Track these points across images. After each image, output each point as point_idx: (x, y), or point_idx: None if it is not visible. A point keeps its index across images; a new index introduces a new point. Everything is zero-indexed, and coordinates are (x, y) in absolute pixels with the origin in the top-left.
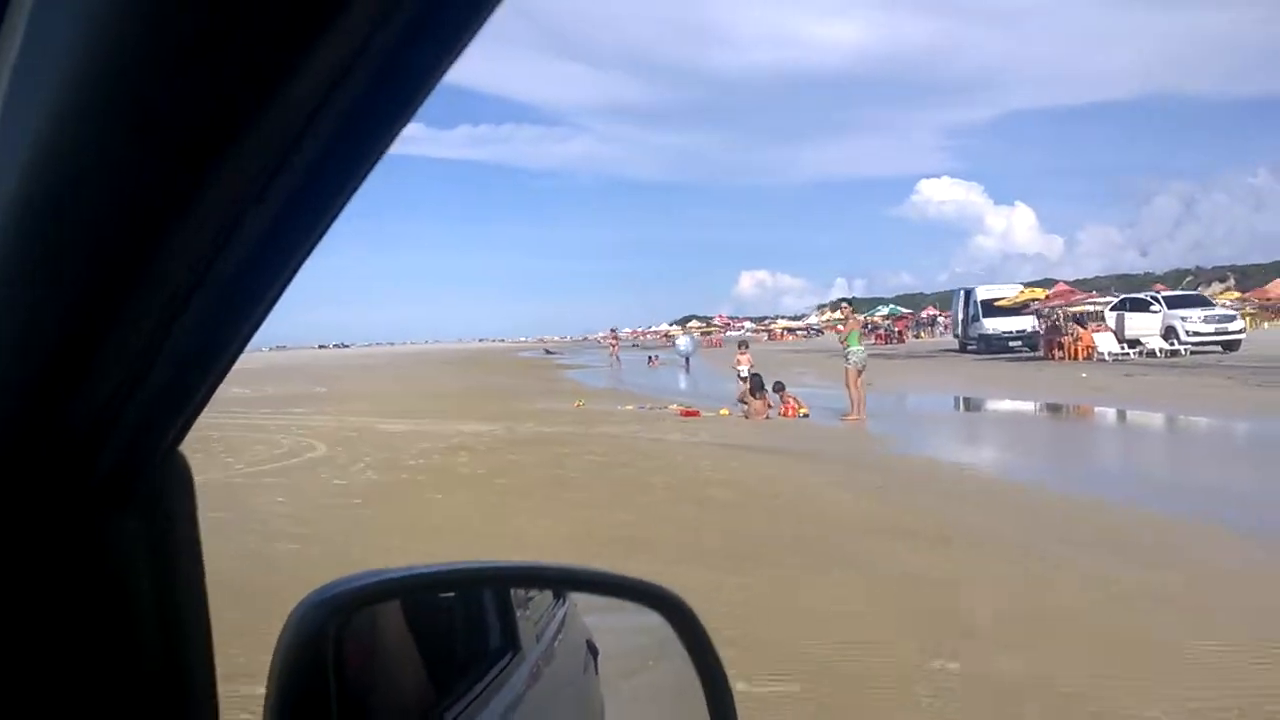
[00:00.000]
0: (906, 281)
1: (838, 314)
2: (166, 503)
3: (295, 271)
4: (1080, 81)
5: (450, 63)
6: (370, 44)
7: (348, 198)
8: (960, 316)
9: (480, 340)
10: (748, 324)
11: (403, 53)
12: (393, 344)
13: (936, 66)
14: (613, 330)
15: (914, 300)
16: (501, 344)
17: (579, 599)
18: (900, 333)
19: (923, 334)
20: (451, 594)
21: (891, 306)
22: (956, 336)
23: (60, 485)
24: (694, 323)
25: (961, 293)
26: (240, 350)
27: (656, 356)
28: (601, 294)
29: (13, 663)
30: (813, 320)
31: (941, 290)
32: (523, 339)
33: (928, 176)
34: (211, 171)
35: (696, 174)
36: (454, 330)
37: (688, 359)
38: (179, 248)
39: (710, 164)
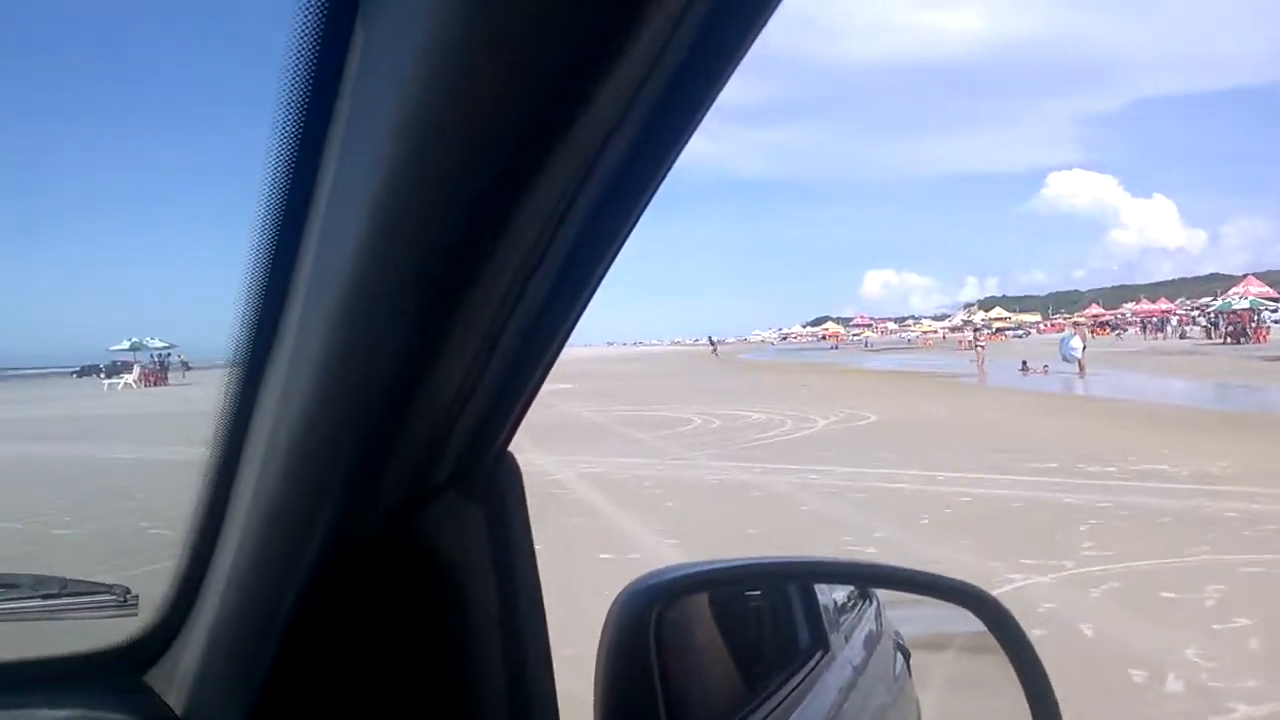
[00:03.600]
0: (1039, 280)
1: (983, 314)
2: (503, 495)
3: (602, 276)
4: (1216, 65)
5: (731, 69)
6: (662, 55)
7: (646, 202)
8: None
9: (610, 344)
10: (890, 324)
11: (691, 59)
12: None
13: (1063, 54)
14: (710, 337)
15: (1069, 298)
16: (651, 345)
17: (885, 597)
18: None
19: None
20: (758, 592)
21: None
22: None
23: (416, 479)
24: (829, 324)
25: None
26: (558, 353)
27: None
28: (716, 296)
29: (384, 627)
30: (958, 319)
31: (1066, 289)
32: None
33: (1058, 169)
34: (529, 185)
35: (813, 171)
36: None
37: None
38: (506, 260)
39: (828, 161)
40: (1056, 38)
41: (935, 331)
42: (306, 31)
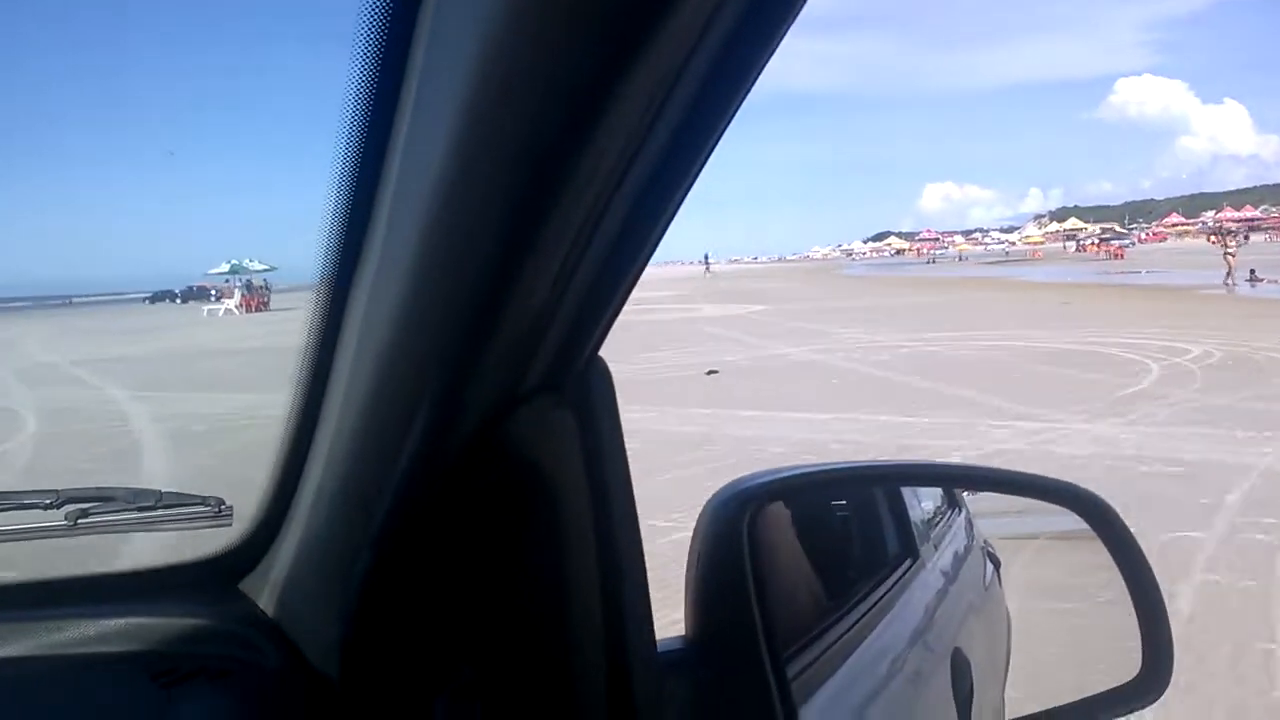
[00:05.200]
0: (1106, 190)
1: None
2: (593, 399)
3: (690, 185)
4: None
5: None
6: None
7: (731, 115)
8: None
9: (685, 263)
10: (958, 237)
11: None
12: None
13: None
14: (705, 256)
15: (1145, 207)
16: (732, 264)
17: (975, 504)
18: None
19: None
20: (845, 500)
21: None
22: None
23: (508, 385)
24: (892, 238)
25: None
26: (646, 261)
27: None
28: (774, 212)
29: (477, 532)
30: (1028, 231)
31: (1135, 199)
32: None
33: (1126, 75)
34: (615, 94)
35: (869, 84)
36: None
37: None
38: (592, 171)
39: (886, 73)
40: None
41: (1042, 241)
42: None
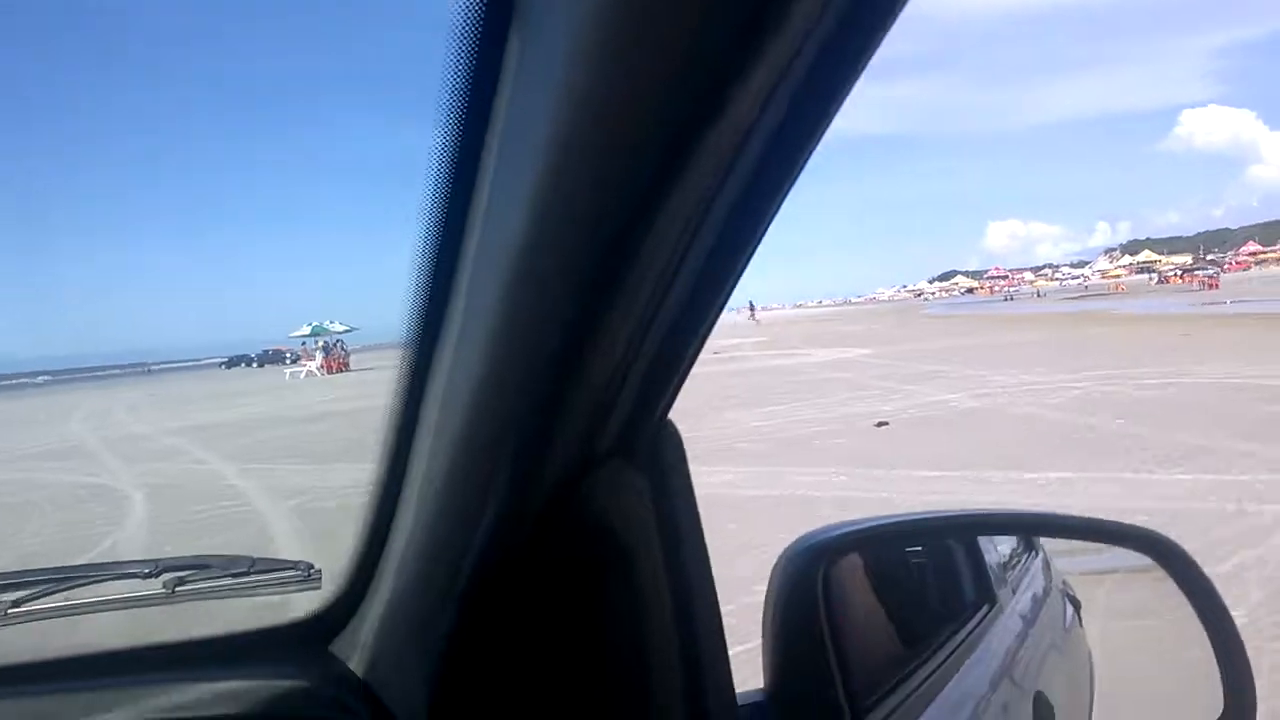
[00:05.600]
0: (1174, 221)
1: (1129, 258)
2: (664, 462)
3: (755, 246)
4: None
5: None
6: (791, 67)
7: (797, 173)
8: None
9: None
10: (1028, 274)
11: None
12: None
13: None
14: (750, 304)
15: (1219, 237)
16: (810, 307)
17: (1053, 547)
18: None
19: None
20: (920, 548)
21: None
22: None
23: (582, 450)
24: (959, 277)
25: None
26: (714, 321)
27: None
28: (835, 255)
29: (556, 595)
30: (1102, 265)
31: (1205, 229)
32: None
33: (1191, 106)
34: (686, 166)
35: (933, 125)
36: None
37: None
38: (663, 238)
39: (947, 113)
40: None
41: (1122, 275)
42: (465, 35)
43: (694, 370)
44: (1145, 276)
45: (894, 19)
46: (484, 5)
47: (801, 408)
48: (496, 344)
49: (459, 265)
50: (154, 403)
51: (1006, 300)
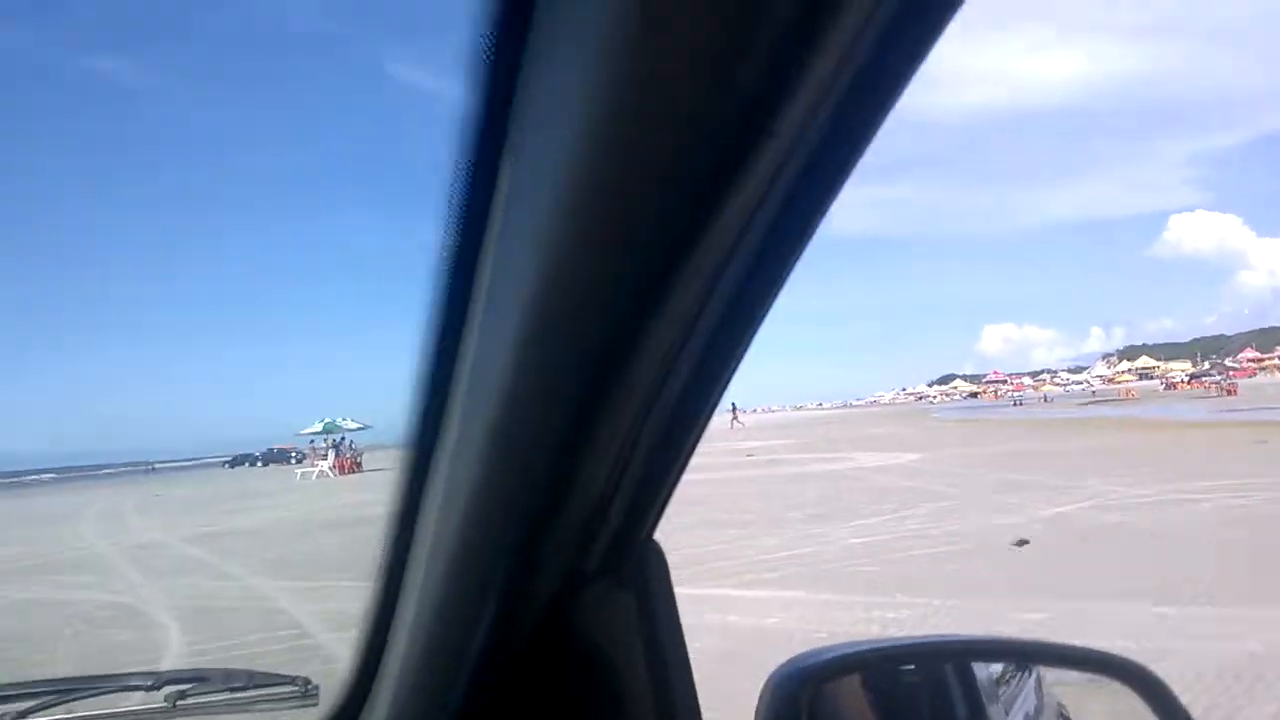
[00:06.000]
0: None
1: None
2: (650, 580)
3: (738, 363)
4: None
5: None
6: (797, 146)
7: (781, 284)
8: None
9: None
10: (1025, 379)
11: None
12: None
13: (1172, 92)
14: (733, 406)
15: (1215, 343)
16: (758, 413)
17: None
18: None
19: None
20: (912, 667)
21: None
22: None
23: (571, 570)
24: (958, 381)
25: None
26: (697, 441)
27: None
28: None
29: (547, 713)
30: (1100, 370)
31: (1200, 335)
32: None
33: (1178, 211)
34: (667, 293)
35: (922, 227)
36: None
37: None
38: (648, 364)
39: (935, 216)
40: (1164, 76)
41: (1134, 379)
42: (463, 140)
43: (737, 474)
44: (1152, 383)
45: (894, 101)
46: (483, 105)
47: (892, 522)
48: (489, 463)
49: (453, 381)
50: (162, 505)
51: (1015, 405)
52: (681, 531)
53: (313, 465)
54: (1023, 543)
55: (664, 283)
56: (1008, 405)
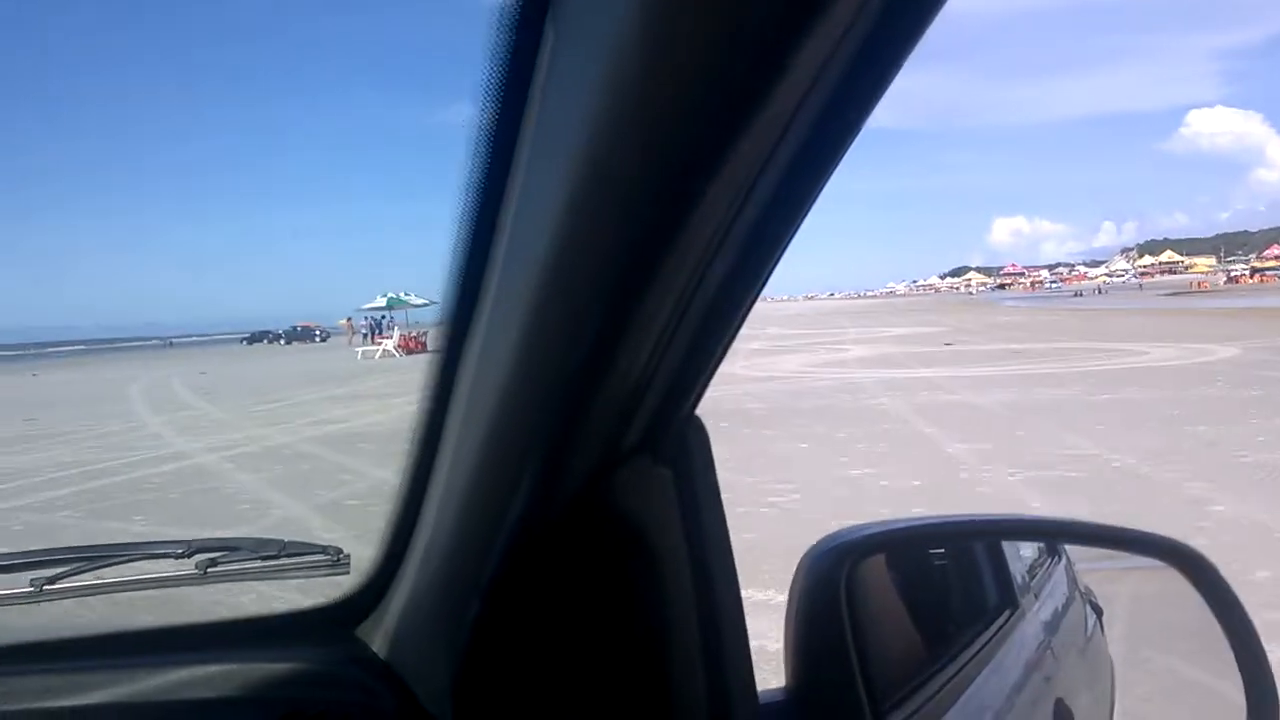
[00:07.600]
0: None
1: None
2: (690, 457)
3: (786, 244)
4: None
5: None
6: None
7: (830, 170)
8: None
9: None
10: (1044, 272)
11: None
12: None
13: None
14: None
15: (1238, 239)
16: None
17: (1075, 554)
18: None
19: None
20: (943, 550)
21: None
22: None
23: (609, 444)
24: (972, 273)
25: None
26: (742, 321)
27: None
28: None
29: (581, 585)
30: (1120, 267)
31: (1212, 233)
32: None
33: (1198, 106)
34: (718, 163)
35: (939, 120)
36: None
37: None
38: (695, 237)
39: (953, 108)
40: None
41: (1210, 272)
42: (501, 24)
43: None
44: (1177, 277)
45: (933, 17)
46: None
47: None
48: (526, 339)
49: (490, 259)
50: (218, 384)
51: (1077, 295)
52: None
53: (374, 344)
54: None
55: (720, 155)
56: (1070, 295)
